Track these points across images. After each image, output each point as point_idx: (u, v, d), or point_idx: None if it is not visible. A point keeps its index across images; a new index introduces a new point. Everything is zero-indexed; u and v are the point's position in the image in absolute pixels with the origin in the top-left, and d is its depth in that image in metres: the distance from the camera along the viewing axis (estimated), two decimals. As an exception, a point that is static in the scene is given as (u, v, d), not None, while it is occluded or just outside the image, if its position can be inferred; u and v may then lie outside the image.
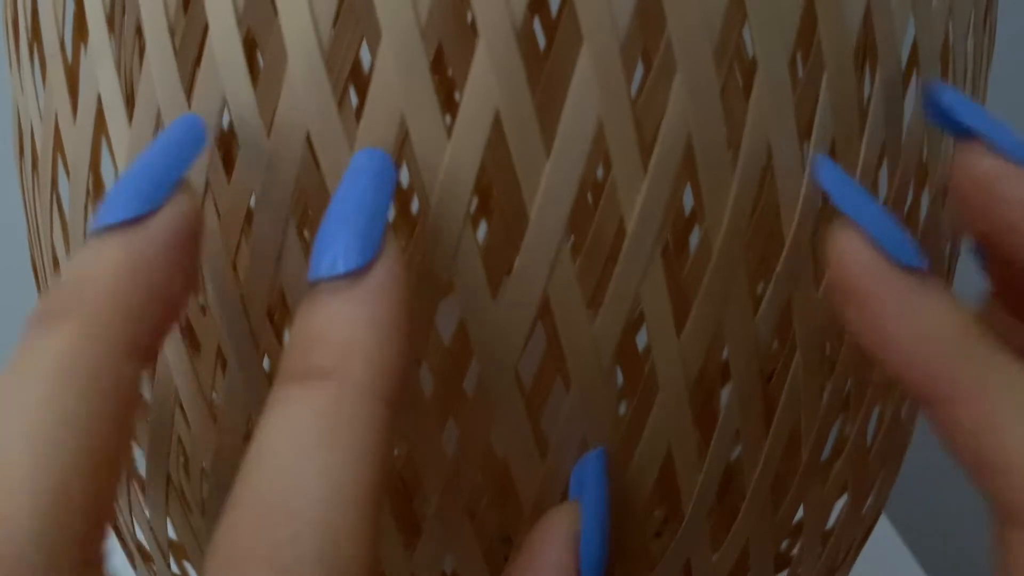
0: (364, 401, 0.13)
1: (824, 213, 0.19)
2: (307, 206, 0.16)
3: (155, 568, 0.23)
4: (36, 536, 0.12)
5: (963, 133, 0.16)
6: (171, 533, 0.21)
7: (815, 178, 0.16)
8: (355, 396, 0.13)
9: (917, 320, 0.15)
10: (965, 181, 0.16)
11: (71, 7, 0.19)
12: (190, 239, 0.14)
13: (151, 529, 0.21)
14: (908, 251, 0.15)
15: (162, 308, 0.14)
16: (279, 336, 0.28)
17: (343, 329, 0.13)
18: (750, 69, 0.30)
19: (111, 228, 0.14)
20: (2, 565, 0.11)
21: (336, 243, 0.14)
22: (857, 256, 0.15)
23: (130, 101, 0.18)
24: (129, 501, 0.22)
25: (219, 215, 0.17)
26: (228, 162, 0.31)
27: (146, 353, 0.14)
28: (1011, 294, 0.18)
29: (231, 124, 0.17)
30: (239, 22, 0.16)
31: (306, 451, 0.13)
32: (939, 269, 0.21)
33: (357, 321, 0.13)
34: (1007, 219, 0.16)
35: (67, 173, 0.19)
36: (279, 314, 0.28)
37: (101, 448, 0.13)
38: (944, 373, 0.14)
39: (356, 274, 0.14)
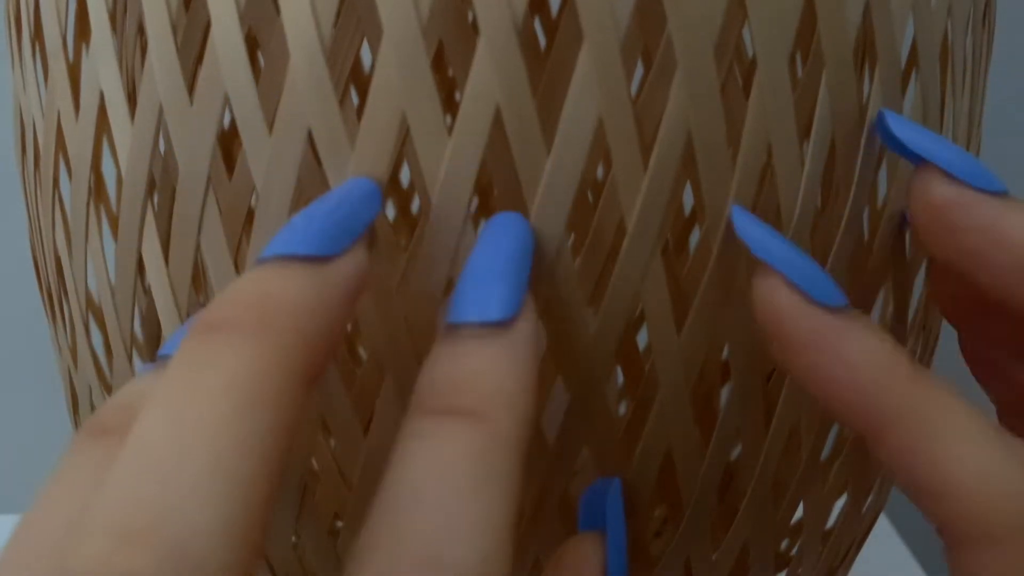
0: (511, 449, 0.13)
1: (824, 211, 0.19)
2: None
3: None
4: (223, 572, 0.11)
5: (918, 160, 0.17)
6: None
7: (733, 230, 0.16)
8: (503, 443, 0.13)
9: (841, 356, 0.15)
10: (921, 209, 0.16)
11: (73, 5, 0.19)
12: (360, 291, 0.14)
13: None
14: (827, 290, 0.15)
15: (329, 346, 0.14)
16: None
17: (494, 376, 0.14)
18: (750, 69, 0.30)
19: (296, 259, 0.14)
20: None
21: (490, 290, 0.14)
22: (779, 300, 0.15)
23: (132, 99, 0.18)
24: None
25: (221, 212, 0.17)
26: (229, 160, 0.31)
27: (311, 387, 0.13)
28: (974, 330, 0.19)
29: (233, 122, 0.17)
30: (241, 20, 0.16)
31: (462, 493, 0.12)
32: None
33: (507, 370, 0.14)
34: (965, 246, 0.16)
35: (69, 171, 0.19)
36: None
37: (275, 476, 0.12)
38: (874, 405, 0.15)
39: (506, 324, 0.14)
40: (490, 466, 0.13)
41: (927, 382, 0.15)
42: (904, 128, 0.17)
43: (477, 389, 0.13)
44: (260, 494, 0.11)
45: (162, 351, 0.15)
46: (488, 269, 0.15)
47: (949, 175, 0.16)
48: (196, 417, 0.11)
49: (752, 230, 0.16)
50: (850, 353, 0.15)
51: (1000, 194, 0.16)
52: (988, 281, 0.16)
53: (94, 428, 0.13)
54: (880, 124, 0.17)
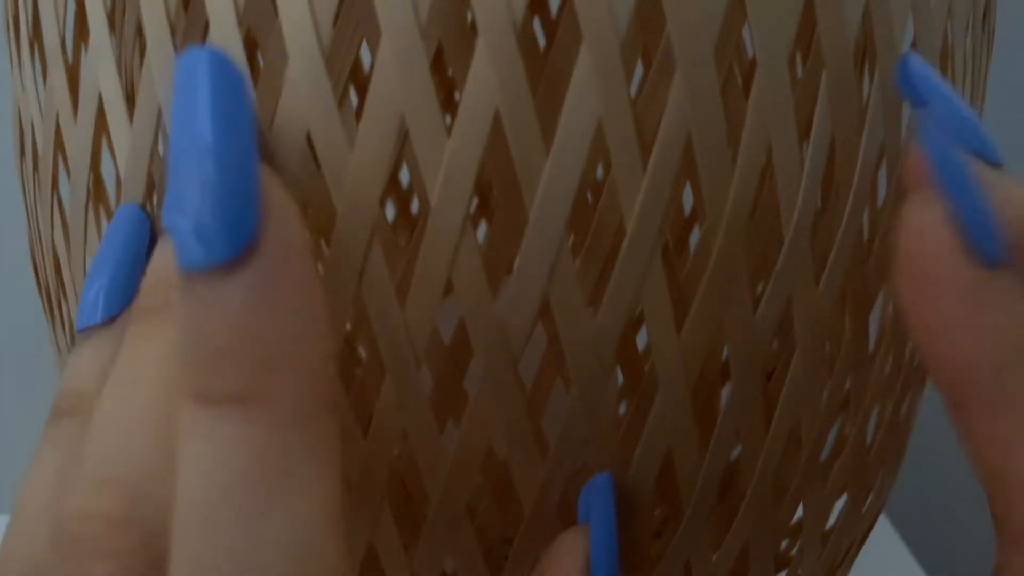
0: (302, 426, 0.11)
1: (824, 212, 0.19)
2: (307, 205, 0.16)
3: None
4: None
5: (920, 104, 0.15)
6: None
7: (920, 139, 0.14)
8: (290, 423, 0.11)
9: (978, 321, 0.14)
10: (911, 166, 0.15)
11: (72, 6, 0.19)
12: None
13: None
14: (993, 242, 0.14)
15: None
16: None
17: (254, 336, 0.11)
18: (750, 69, 0.30)
19: None
20: None
21: (205, 212, 0.11)
22: (936, 236, 0.14)
23: (131, 100, 0.18)
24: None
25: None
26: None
27: None
28: None
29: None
30: (239, 21, 0.16)
31: (252, 512, 0.11)
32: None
33: (269, 322, 0.11)
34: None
35: (68, 172, 0.19)
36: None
37: None
38: (990, 380, 0.14)
39: (245, 255, 0.11)
40: (279, 463, 0.11)
41: None
42: (925, 72, 0.15)
43: (233, 361, 0.11)
44: None
45: (78, 326, 0.16)
46: (185, 182, 0.11)
47: (947, 135, 0.14)
48: (142, 385, 0.13)
49: (939, 148, 0.14)
50: (991, 320, 0.13)
51: (997, 166, 0.15)
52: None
53: (55, 413, 0.15)
54: (903, 64, 0.16)
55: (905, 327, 0.14)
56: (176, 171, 0.11)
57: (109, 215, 0.26)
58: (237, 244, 0.11)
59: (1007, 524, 0.14)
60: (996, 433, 0.14)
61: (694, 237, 0.35)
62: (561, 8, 0.33)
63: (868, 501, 0.23)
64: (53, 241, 0.21)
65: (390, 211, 0.39)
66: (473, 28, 0.15)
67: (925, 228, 0.14)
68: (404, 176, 0.39)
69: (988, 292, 0.14)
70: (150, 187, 0.18)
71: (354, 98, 0.35)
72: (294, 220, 0.11)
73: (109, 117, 0.18)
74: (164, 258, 0.14)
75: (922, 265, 0.14)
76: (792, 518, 0.21)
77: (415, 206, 0.39)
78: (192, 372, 0.11)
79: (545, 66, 0.29)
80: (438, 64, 0.35)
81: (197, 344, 0.11)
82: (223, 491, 0.11)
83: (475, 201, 0.38)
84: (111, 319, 0.15)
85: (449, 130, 0.15)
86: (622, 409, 0.34)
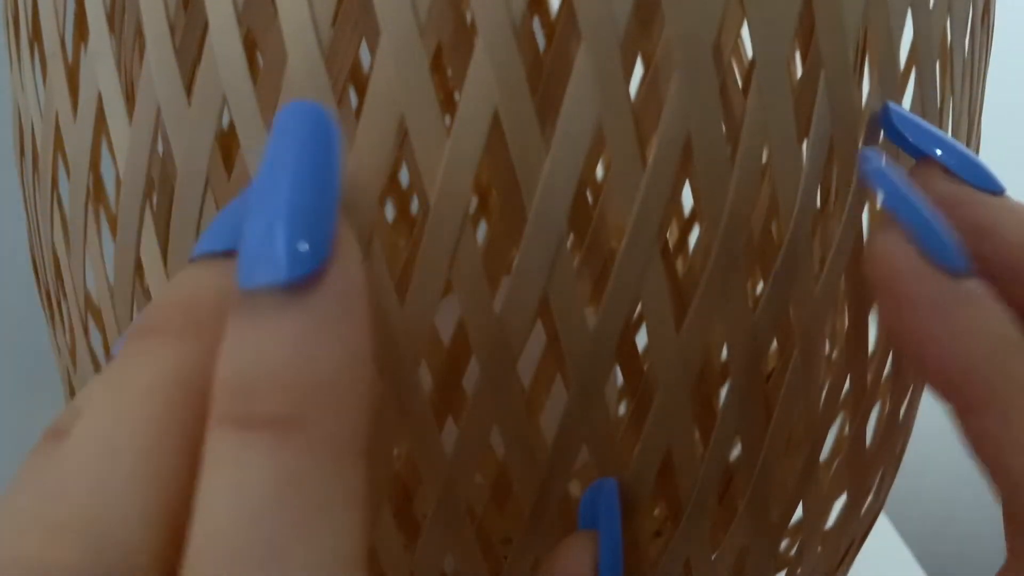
0: (338, 459, 0.11)
1: (823, 211, 0.19)
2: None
3: None
4: (143, 559, 0.11)
5: (918, 155, 0.16)
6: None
7: (862, 172, 0.15)
8: (326, 454, 0.11)
9: (954, 326, 0.14)
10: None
11: (71, 6, 0.19)
12: None
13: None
14: (951, 254, 0.14)
15: None
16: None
17: (302, 361, 0.11)
18: (750, 69, 0.30)
19: (220, 256, 0.12)
20: None
21: (275, 235, 0.11)
22: (899, 256, 0.15)
23: (130, 100, 0.18)
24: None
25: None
26: (228, 161, 0.31)
27: None
28: None
29: (231, 123, 0.17)
30: (239, 21, 0.16)
31: (278, 543, 0.10)
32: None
33: (319, 350, 0.11)
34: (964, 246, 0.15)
35: (67, 172, 0.19)
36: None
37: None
38: (980, 379, 0.14)
39: (309, 281, 0.11)
40: (311, 494, 0.10)
41: None
42: (907, 122, 0.17)
43: (281, 385, 0.10)
44: (183, 487, 0.11)
45: (114, 349, 0.15)
46: (270, 203, 0.11)
47: (949, 172, 0.16)
48: (124, 417, 0.11)
49: (883, 176, 0.15)
50: (965, 324, 0.14)
51: (999, 194, 0.16)
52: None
53: (50, 432, 0.14)
54: (883, 116, 0.17)
55: (896, 349, 0.15)
56: (261, 192, 0.11)
57: (109, 215, 0.26)
58: (307, 269, 0.11)
59: (1016, 518, 0.14)
60: (993, 433, 0.14)
61: (694, 237, 0.35)
62: (560, 8, 0.33)
63: (868, 501, 0.23)
64: (53, 241, 0.21)
65: (389, 212, 0.39)
66: (473, 27, 0.15)
67: (888, 251, 0.15)
68: (404, 176, 0.39)
69: (960, 297, 0.14)
70: (149, 187, 0.18)
71: (354, 98, 0.35)
72: (359, 259, 0.11)
73: (108, 117, 0.18)
74: (192, 280, 0.12)
75: (893, 284, 0.15)
76: (792, 518, 0.21)
77: (415, 206, 0.39)
78: (235, 394, 0.11)
79: (544, 66, 0.29)
80: (437, 64, 0.35)
81: (247, 365, 0.11)
82: (250, 518, 0.10)
83: (474, 201, 0.38)
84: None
85: (449, 130, 0.15)
86: (622, 409, 0.34)
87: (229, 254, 0.12)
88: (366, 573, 0.11)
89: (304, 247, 0.11)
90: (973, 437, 0.14)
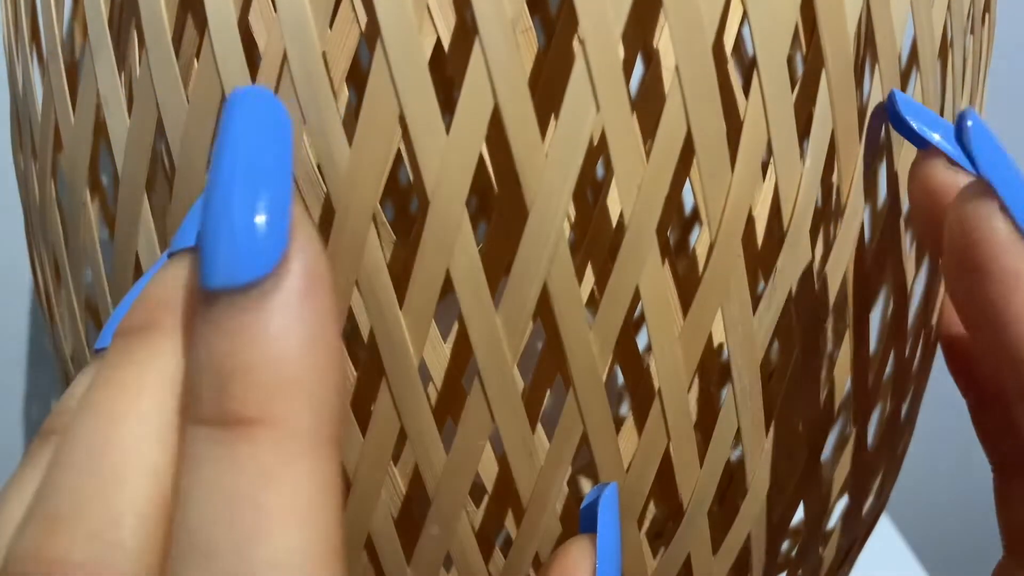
0: (311, 454, 0.11)
1: (824, 211, 0.19)
2: (306, 204, 0.16)
3: None
4: (139, 554, 0.11)
5: (923, 144, 0.16)
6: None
7: (964, 136, 0.15)
8: (299, 450, 0.11)
9: None
10: (921, 194, 0.16)
11: (71, 5, 0.19)
12: None
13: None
14: None
15: None
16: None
17: (269, 359, 0.11)
18: (750, 68, 0.30)
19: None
20: None
21: (232, 238, 0.11)
22: (998, 228, 0.14)
23: (130, 100, 0.18)
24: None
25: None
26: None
27: None
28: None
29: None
30: (238, 20, 0.16)
31: (255, 536, 0.10)
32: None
33: (285, 347, 0.11)
34: (965, 238, 0.15)
35: (66, 171, 0.19)
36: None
37: None
38: None
39: (269, 280, 0.11)
40: (284, 489, 0.11)
41: None
42: (913, 110, 0.17)
43: (250, 383, 0.11)
44: (175, 484, 0.11)
45: (98, 344, 0.15)
46: (224, 204, 0.11)
47: (952, 161, 0.16)
48: (116, 413, 0.12)
49: (982, 142, 0.15)
50: None
51: None
52: (988, 277, 0.16)
53: (42, 432, 0.14)
54: (889, 105, 0.17)
55: (966, 321, 0.15)
56: (214, 192, 0.11)
57: (108, 215, 0.26)
58: (265, 267, 0.11)
59: None
60: None
61: (694, 237, 0.35)
62: (560, 6, 0.33)
63: (869, 502, 0.23)
64: (52, 240, 0.21)
65: (388, 211, 0.39)
66: (473, 27, 0.15)
67: (986, 222, 0.14)
68: (404, 176, 0.39)
69: None
70: (149, 187, 0.18)
71: (353, 97, 0.35)
72: (320, 251, 0.11)
73: (108, 117, 0.18)
74: (169, 277, 0.12)
75: (988, 255, 0.14)
76: (792, 518, 0.21)
77: (414, 205, 0.39)
78: (206, 393, 0.11)
79: (544, 64, 0.29)
80: (437, 63, 0.35)
81: (215, 364, 0.11)
82: (224, 512, 0.11)
83: (474, 201, 0.38)
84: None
85: (448, 128, 0.15)
86: (622, 409, 0.34)
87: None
88: (342, 563, 0.11)
89: (261, 235, 0.11)
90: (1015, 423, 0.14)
